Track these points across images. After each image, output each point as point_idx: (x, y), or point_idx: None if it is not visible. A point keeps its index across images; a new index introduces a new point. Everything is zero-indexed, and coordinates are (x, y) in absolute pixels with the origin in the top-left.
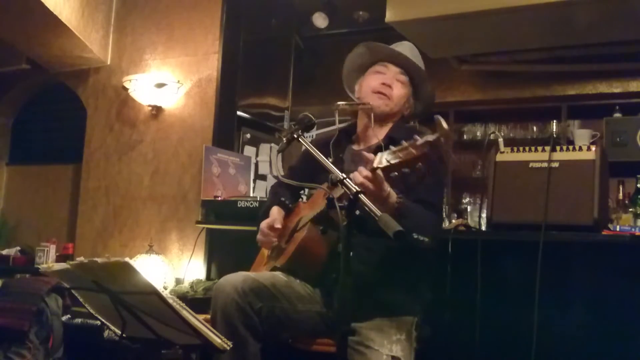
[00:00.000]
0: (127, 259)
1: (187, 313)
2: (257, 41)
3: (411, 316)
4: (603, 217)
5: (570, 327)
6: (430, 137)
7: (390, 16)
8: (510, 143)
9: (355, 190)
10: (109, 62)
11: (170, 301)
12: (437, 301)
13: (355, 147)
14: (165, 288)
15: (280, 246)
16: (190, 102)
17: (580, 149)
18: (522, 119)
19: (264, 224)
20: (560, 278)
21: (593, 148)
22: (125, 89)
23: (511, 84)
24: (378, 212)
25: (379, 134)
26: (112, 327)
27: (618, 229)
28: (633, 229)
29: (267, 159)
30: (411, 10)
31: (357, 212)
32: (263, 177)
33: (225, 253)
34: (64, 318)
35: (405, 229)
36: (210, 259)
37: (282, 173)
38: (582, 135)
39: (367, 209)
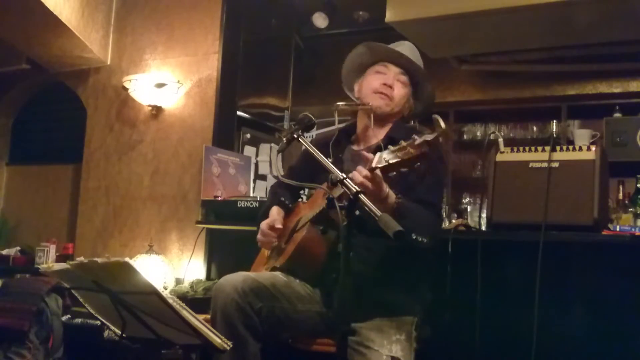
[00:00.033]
0: (127, 259)
1: (187, 313)
2: (257, 41)
3: (411, 316)
4: (603, 217)
5: (570, 327)
6: (428, 137)
7: (390, 16)
8: (510, 143)
9: (355, 190)
10: (109, 62)
11: (170, 301)
12: (437, 301)
13: (354, 147)
14: (165, 288)
15: (280, 246)
16: (190, 102)
17: (580, 149)
18: (522, 119)
19: (264, 224)
20: (560, 278)
21: (593, 148)
22: (125, 89)
23: (511, 84)
24: (378, 212)
25: (378, 134)
26: (112, 327)
27: (618, 229)
28: (633, 229)
29: (267, 159)
30: (411, 10)
31: (357, 212)
32: (263, 177)
33: (225, 253)
34: (64, 318)
35: (405, 229)
36: (210, 259)
37: (282, 173)
38: (582, 135)
39: (367, 208)
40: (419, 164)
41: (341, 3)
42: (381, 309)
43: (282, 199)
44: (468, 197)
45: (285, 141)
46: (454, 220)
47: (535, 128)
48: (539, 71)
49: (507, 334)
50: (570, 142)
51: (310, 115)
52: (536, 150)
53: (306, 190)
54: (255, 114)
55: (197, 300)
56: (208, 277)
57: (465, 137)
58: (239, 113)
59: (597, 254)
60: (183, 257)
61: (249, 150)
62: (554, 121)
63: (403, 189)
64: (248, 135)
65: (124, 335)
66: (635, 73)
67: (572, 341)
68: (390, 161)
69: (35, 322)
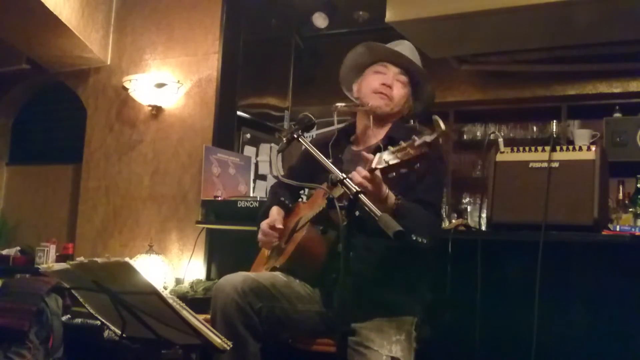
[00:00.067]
0: (127, 259)
1: (187, 313)
2: (257, 41)
3: (411, 316)
4: (603, 217)
5: (570, 327)
6: (428, 137)
7: (390, 16)
8: (510, 143)
9: (355, 190)
10: (109, 62)
11: (170, 301)
12: (437, 301)
13: (354, 147)
14: (165, 288)
15: (280, 246)
16: (190, 102)
17: (580, 149)
18: (522, 119)
19: (264, 224)
20: (560, 278)
21: (593, 148)
22: (125, 89)
23: (511, 84)
24: (378, 212)
25: (378, 134)
26: (112, 327)
27: (618, 229)
28: (633, 229)
29: (267, 159)
30: (411, 10)
31: (357, 213)
32: (263, 177)
33: (225, 253)
34: (64, 318)
35: (404, 229)
36: (210, 259)
37: (282, 173)
38: (582, 135)
39: (367, 208)
40: (418, 164)
41: (341, 3)
42: (381, 309)
43: (282, 199)
44: (468, 197)
45: (285, 141)
46: (454, 220)
47: (535, 128)
48: (539, 71)
49: (507, 334)
50: (570, 142)
51: (310, 115)
52: (536, 150)
53: (306, 190)
54: (255, 114)
55: (197, 300)
56: (208, 277)
57: (465, 137)
58: (239, 113)
59: (597, 254)
60: (183, 257)
61: (249, 150)
62: (554, 121)
63: (403, 189)
64: (248, 135)
65: (124, 335)
66: (635, 73)
67: (572, 341)
68: (390, 162)
69: (35, 322)
